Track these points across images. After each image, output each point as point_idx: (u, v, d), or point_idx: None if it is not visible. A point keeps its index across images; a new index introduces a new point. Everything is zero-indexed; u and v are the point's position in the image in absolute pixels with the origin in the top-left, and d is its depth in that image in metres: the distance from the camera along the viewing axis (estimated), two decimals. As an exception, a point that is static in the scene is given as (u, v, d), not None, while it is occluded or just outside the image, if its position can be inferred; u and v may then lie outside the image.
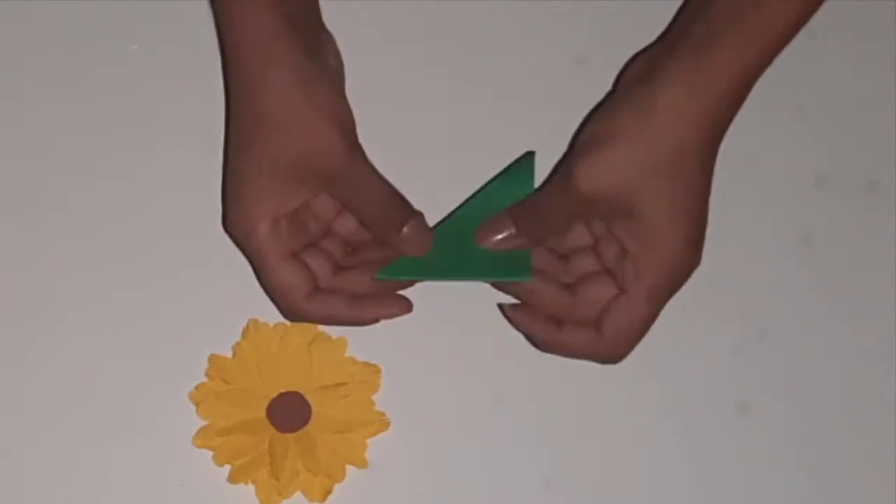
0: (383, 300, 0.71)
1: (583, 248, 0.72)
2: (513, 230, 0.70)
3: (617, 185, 0.67)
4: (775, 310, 0.77)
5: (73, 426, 0.73)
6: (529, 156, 0.73)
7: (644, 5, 0.77)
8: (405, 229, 0.70)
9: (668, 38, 0.70)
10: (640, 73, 0.69)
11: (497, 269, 0.71)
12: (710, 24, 0.67)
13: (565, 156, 0.73)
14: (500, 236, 0.70)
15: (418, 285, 0.73)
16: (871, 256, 0.78)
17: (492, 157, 0.75)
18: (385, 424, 0.74)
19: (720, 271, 0.76)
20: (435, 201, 0.74)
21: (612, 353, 0.71)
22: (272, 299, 0.71)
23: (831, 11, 0.77)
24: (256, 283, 0.74)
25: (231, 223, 0.69)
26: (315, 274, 0.70)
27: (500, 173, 0.74)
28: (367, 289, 0.70)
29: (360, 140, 0.70)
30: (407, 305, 0.71)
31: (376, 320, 0.71)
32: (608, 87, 0.76)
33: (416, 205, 0.72)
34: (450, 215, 0.73)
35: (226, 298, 0.74)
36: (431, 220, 0.73)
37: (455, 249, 0.71)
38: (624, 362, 0.74)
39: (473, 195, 0.73)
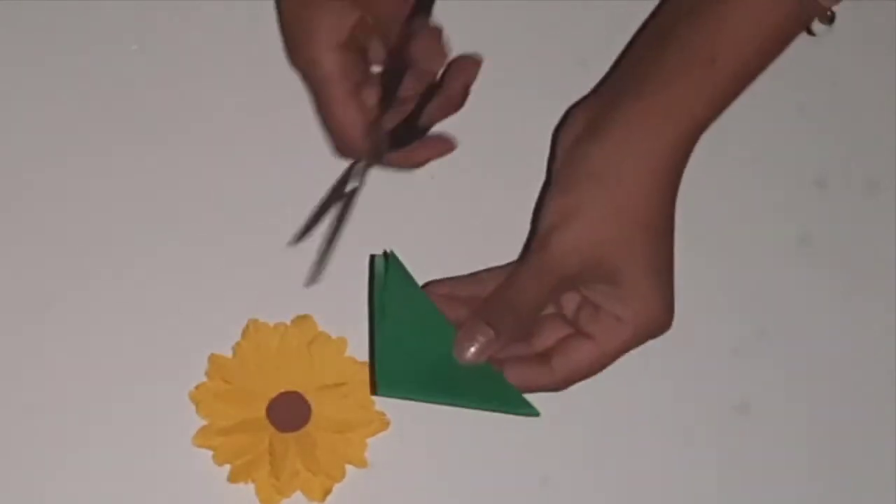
0: (432, 142, 0.71)
1: (550, 317, 0.70)
2: (491, 333, 0.67)
3: (595, 255, 0.66)
4: (775, 309, 0.77)
5: (73, 426, 0.73)
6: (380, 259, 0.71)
7: (644, 7, 0.77)
8: (417, 42, 0.68)
9: (610, 89, 0.69)
10: (583, 134, 0.68)
11: (503, 400, 0.68)
12: (660, 77, 0.66)
13: (531, 234, 0.71)
14: (477, 345, 0.67)
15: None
16: (870, 256, 0.78)
17: (493, 157, 0.75)
18: (385, 424, 0.74)
19: (720, 271, 0.77)
20: (436, 201, 0.74)
21: (555, 387, 0.69)
22: (330, 132, 0.70)
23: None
24: (256, 284, 0.74)
25: (296, 56, 0.69)
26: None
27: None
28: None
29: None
30: (451, 145, 0.71)
31: (424, 162, 0.71)
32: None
33: (417, 205, 0.72)
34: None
35: (226, 298, 0.74)
36: (432, 218, 0.73)
37: (454, 373, 0.68)
38: (624, 362, 0.74)
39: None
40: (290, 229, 0.75)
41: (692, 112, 0.66)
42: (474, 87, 0.74)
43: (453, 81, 0.71)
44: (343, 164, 0.73)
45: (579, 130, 0.68)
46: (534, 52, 0.78)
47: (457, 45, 0.74)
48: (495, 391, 0.68)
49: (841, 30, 0.77)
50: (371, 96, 0.70)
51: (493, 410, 0.69)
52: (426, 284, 0.70)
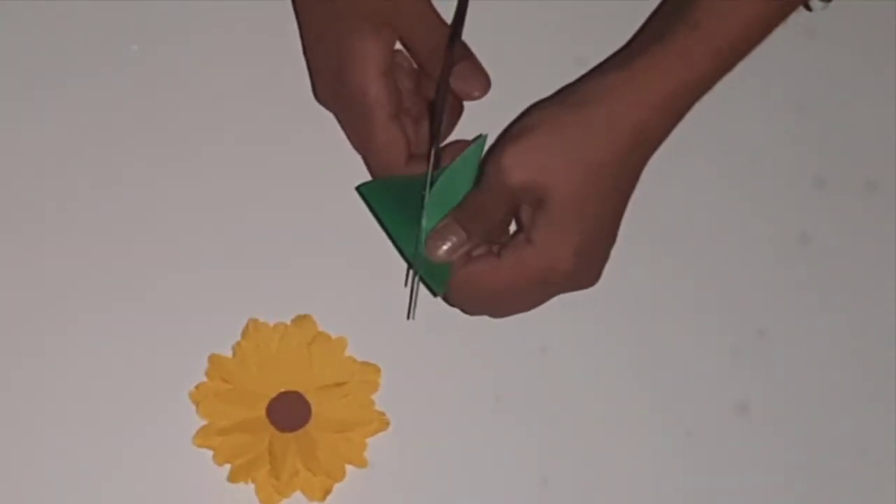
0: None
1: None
2: (464, 235, 0.70)
3: (535, 174, 0.67)
4: (774, 309, 0.77)
5: (73, 426, 0.73)
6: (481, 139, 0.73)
7: (643, 6, 0.77)
8: (461, 68, 0.71)
9: (635, 41, 0.70)
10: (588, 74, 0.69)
11: (424, 266, 0.71)
12: (643, 40, 0.68)
13: (495, 144, 0.72)
14: (449, 244, 0.70)
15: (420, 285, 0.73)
16: (869, 256, 0.78)
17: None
18: (385, 424, 0.74)
19: (719, 271, 0.77)
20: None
21: (456, 299, 0.71)
22: (371, 155, 0.72)
23: (831, 11, 0.77)
24: (256, 284, 0.74)
25: (337, 84, 0.70)
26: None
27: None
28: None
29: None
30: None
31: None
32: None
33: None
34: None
35: (226, 298, 0.74)
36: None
37: (408, 217, 0.71)
38: (623, 362, 0.75)
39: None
40: (291, 229, 0.75)
41: (676, 76, 0.66)
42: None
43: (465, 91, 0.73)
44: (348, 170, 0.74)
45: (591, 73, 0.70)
46: (533, 51, 0.78)
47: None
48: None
49: (841, 30, 0.77)
50: (408, 123, 0.72)
51: (408, 260, 0.72)
52: None
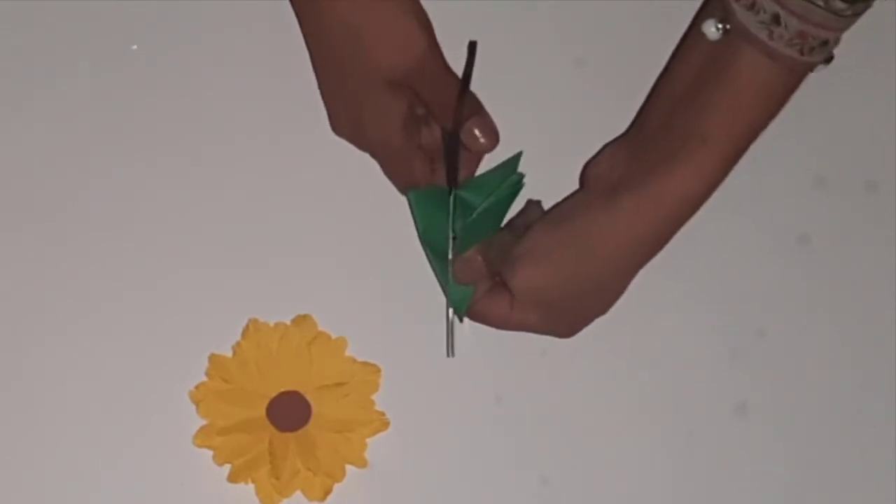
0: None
1: None
2: (484, 270, 0.74)
3: (541, 296, 0.72)
4: (774, 310, 0.77)
5: (73, 426, 0.73)
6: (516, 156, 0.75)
7: (643, 7, 0.77)
8: (471, 124, 0.72)
9: (631, 140, 0.71)
10: (594, 181, 0.71)
11: (451, 288, 0.74)
12: (657, 157, 0.68)
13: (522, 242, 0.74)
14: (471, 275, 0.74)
15: (418, 286, 0.73)
16: (869, 257, 0.78)
17: (491, 156, 0.75)
18: (385, 424, 0.74)
19: (719, 271, 0.77)
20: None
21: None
22: (401, 184, 0.74)
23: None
24: (256, 283, 0.74)
25: (357, 134, 0.73)
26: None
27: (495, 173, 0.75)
28: None
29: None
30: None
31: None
32: (607, 88, 0.76)
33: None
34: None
35: (226, 298, 0.74)
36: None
37: (443, 242, 0.73)
38: (623, 362, 0.75)
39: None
40: (291, 229, 0.75)
41: (686, 191, 0.68)
42: (475, 88, 0.75)
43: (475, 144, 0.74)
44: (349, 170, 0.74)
45: (596, 181, 0.71)
46: (533, 51, 0.77)
47: (455, 45, 0.74)
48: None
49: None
50: (427, 134, 0.74)
51: (440, 280, 0.74)
52: None
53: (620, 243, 0.69)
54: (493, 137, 0.73)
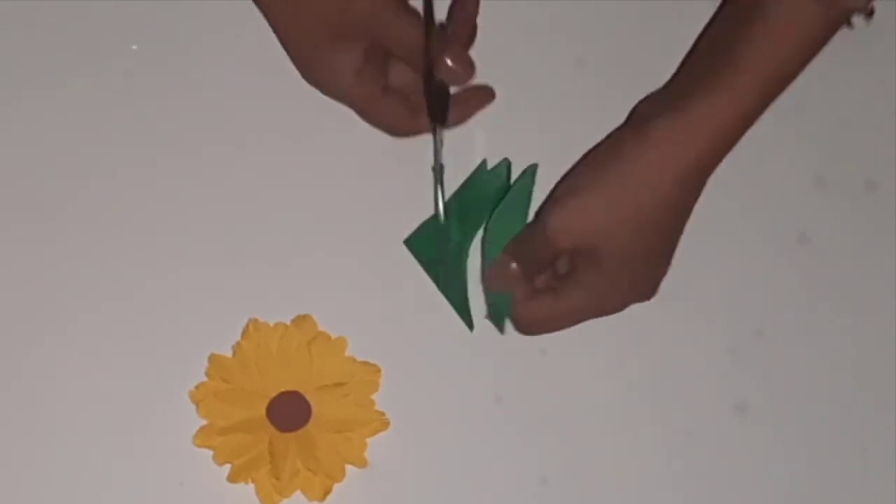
0: (476, 93, 0.75)
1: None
2: (518, 272, 0.73)
3: (585, 241, 0.70)
4: (773, 309, 0.77)
5: (73, 426, 0.73)
6: (531, 168, 0.75)
7: (643, 7, 0.77)
8: (448, 59, 0.72)
9: (665, 92, 0.72)
10: (633, 121, 0.72)
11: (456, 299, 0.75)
12: (694, 86, 0.69)
13: (551, 194, 0.74)
14: (506, 280, 0.73)
15: (418, 286, 0.73)
16: (868, 256, 0.78)
17: (490, 156, 0.75)
18: (384, 424, 0.74)
19: (718, 271, 0.77)
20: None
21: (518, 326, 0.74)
22: (380, 127, 0.74)
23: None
24: (256, 283, 0.74)
25: (320, 83, 0.74)
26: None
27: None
28: None
29: (363, 139, 0.70)
30: (491, 93, 0.75)
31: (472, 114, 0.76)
32: (607, 88, 0.76)
33: (418, 202, 0.72)
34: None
35: (226, 298, 0.74)
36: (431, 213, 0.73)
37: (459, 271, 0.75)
38: (623, 362, 0.75)
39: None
40: (291, 229, 0.75)
41: (720, 121, 0.68)
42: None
43: (459, 27, 0.74)
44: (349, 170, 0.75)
45: (637, 111, 0.72)
46: (533, 51, 0.77)
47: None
48: (457, 289, 0.74)
49: (841, 30, 0.77)
50: (398, 73, 0.74)
51: (446, 296, 0.75)
52: None
53: (651, 169, 0.69)
54: (469, 66, 0.73)
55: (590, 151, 0.73)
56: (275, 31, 0.73)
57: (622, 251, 0.70)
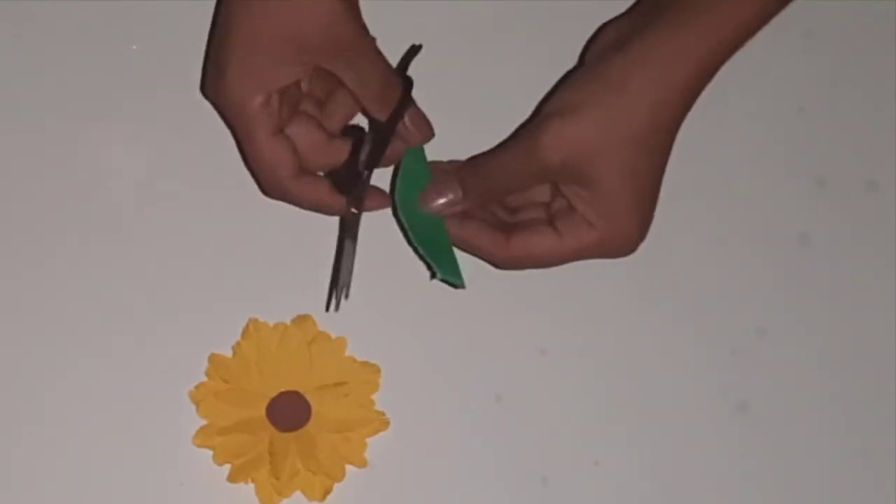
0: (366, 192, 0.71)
1: (533, 203, 0.72)
2: (459, 193, 0.70)
3: (578, 157, 0.67)
4: (774, 309, 0.77)
5: (73, 426, 0.74)
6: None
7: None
8: (406, 119, 0.70)
9: (640, 10, 0.69)
10: (610, 45, 0.69)
11: (438, 256, 0.70)
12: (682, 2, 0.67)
13: (529, 120, 0.71)
14: (444, 199, 0.70)
15: (418, 286, 0.73)
16: (869, 256, 0.78)
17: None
18: (384, 424, 0.74)
19: (719, 270, 0.77)
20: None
21: (502, 262, 0.70)
22: (254, 174, 0.70)
23: (830, 11, 0.77)
24: (256, 283, 0.74)
25: (218, 92, 0.68)
26: (302, 149, 0.69)
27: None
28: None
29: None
30: (385, 201, 0.71)
31: (355, 211, 0.71)
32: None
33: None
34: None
35: (226, 298, 0.74)
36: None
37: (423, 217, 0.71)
38: (623, 361, 0.75)
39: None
40: (291, 229, 0.75)
41: (711, 40, 0.66)
42: (472, 88, 0.75)
43: (410, 137, 0.71)
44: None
45: (607, 42, 0.69)
46: (533, 51, 0.77)
47: (455, 45, 0.74)
48: (437, 245, 0.70)
49: (840, 29, 0.77)
50: (300, 135, 0.69)
51: (424, 260, 0.71)
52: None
53: (646, 89, 0.66)
54: (428, 130, 0.71)
55: (568, 75, 0.71)
56: (219, 26, 0.68)
57: (622, 175, 0.67)
